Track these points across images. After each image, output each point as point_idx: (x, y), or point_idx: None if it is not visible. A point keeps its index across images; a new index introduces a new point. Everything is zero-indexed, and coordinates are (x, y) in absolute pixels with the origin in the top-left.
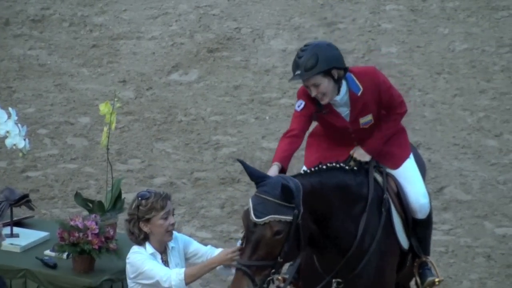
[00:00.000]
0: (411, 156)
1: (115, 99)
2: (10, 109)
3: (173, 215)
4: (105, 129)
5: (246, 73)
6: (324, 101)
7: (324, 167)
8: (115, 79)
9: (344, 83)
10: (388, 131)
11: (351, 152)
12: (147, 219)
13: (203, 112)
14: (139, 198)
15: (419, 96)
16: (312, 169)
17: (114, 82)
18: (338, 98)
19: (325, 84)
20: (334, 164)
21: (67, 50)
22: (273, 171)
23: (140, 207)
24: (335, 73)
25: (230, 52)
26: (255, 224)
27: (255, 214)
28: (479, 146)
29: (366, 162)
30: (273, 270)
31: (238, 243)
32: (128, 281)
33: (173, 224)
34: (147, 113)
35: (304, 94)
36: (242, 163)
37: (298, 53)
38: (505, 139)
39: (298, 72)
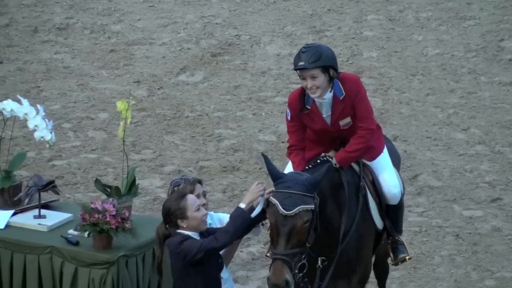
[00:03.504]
0: (385, 150)
1: (130, 97)
2: (38, 106)
3: (204, 196)
4: (122, 123)
5: (245, 74)
6: (315, 95)
7: (319, 161)
8: (130, 80)
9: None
10: (357, 146)
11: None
12: None
13: (207, 109)
14: (172, 186)
15: (396, 95)
16: (312, 164)
17: (129, 83)
18: (327, 96)
19: (322, 78)
20: (324, 158)
21: (88, 54)
22: None
23: None
24: (331, 72)
25: (231, 56)
26: (286, 216)
27: (284, 208)
28: (449, 138)
29: None
30: (303, 256)
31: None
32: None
33: (204, 204)
34: (158, 109)
35: (292, 101)
36: (266, 160)
37: (301, 49)
38: (472, 132)
39: (301, 63)
